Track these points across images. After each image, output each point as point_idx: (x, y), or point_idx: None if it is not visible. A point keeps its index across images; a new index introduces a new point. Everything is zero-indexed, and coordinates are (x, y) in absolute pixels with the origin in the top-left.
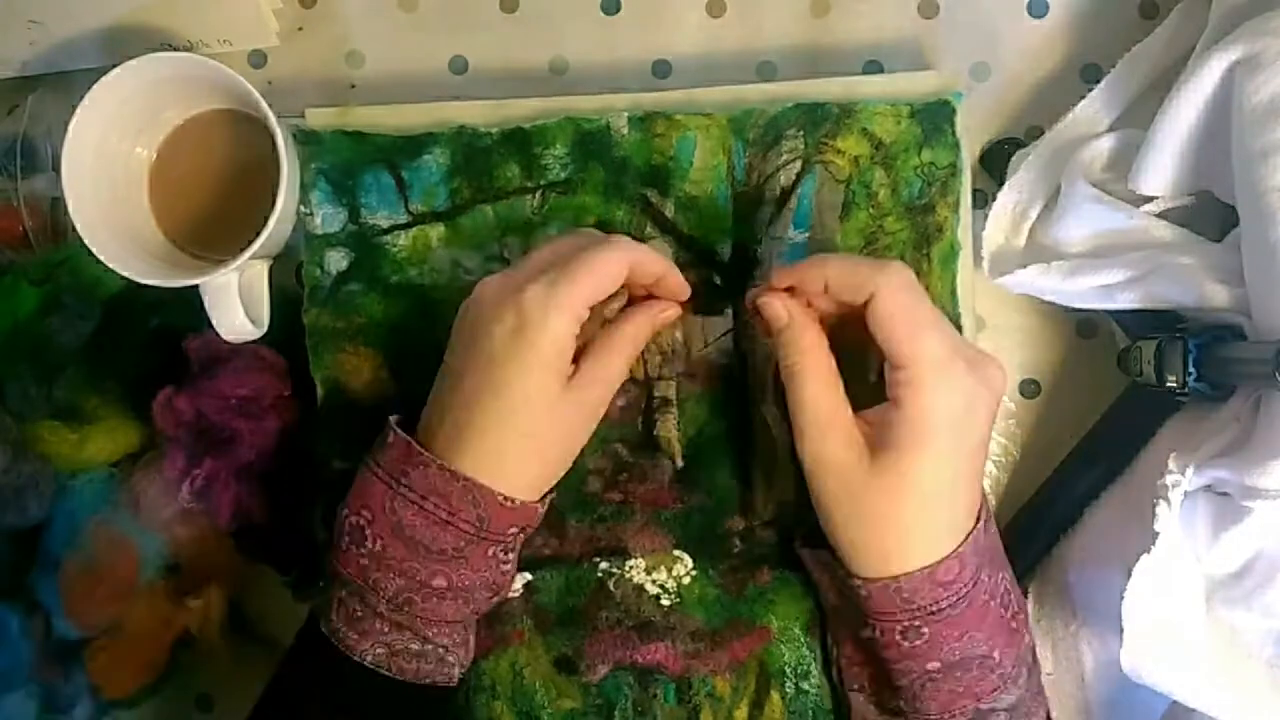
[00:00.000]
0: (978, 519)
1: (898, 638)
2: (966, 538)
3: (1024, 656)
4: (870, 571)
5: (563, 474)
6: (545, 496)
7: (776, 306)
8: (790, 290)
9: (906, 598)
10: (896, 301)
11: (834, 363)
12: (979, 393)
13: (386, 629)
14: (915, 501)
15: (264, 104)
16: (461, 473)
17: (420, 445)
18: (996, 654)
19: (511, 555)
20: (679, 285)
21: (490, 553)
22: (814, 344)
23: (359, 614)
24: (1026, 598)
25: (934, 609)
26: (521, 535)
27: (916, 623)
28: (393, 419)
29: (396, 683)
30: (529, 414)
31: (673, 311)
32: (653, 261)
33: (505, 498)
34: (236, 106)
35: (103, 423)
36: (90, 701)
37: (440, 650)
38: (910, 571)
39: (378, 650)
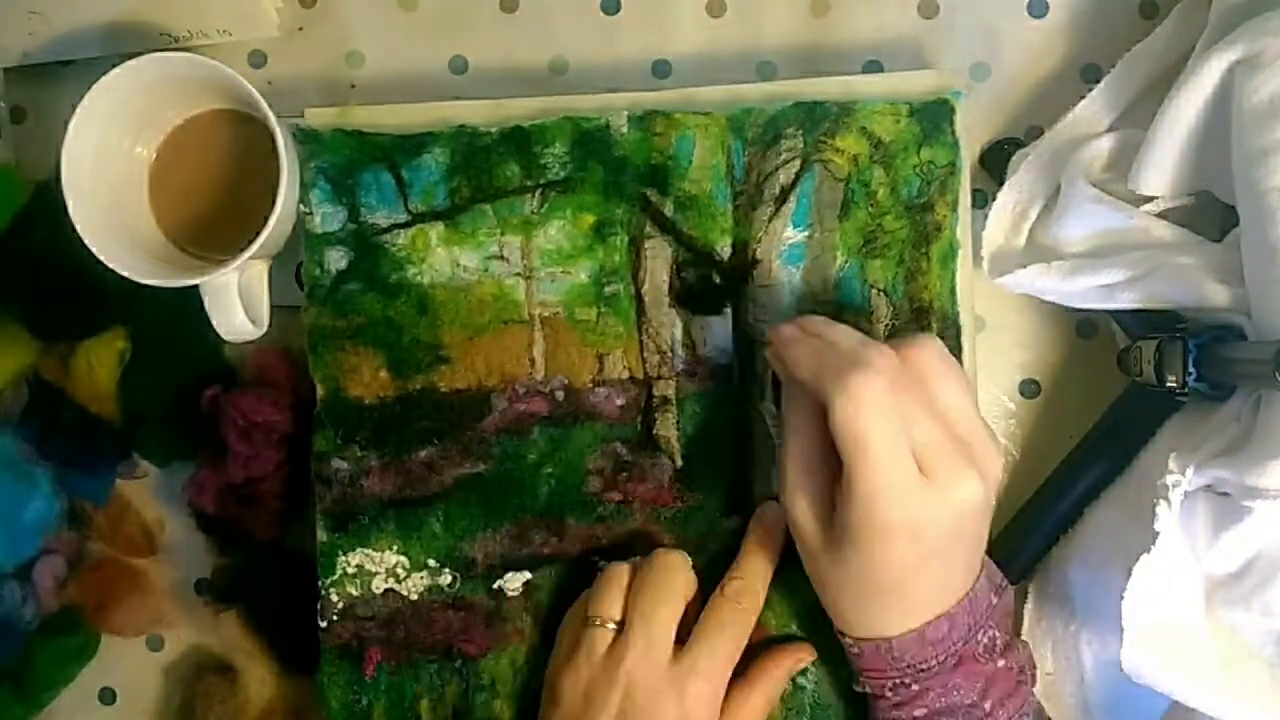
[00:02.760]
0: (976, 581)
1: (887, 692)
2: (959, 601)
3: (1025, 710)
4: (858, 632)
5: None
6: None
7: (777, 366)
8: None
9: (896, 656)
10: (844, 418)
11: (822, 431)
12: (929, 512)
13: None
14: (867, 585)
15: (264, 103)
16: None
17: None
18: (988, 704)
19: None
20: None
21: None
22: (805, 405)
23: None
24: (1026, 598)
25: (923, 667)
26: None
27: (906, 680)
28: None
29: None
30: None
31: (809, 657)
32: (768, 576)
33: None
34: (236, 106)
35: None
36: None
37: None
38: (900, 634)
39: None
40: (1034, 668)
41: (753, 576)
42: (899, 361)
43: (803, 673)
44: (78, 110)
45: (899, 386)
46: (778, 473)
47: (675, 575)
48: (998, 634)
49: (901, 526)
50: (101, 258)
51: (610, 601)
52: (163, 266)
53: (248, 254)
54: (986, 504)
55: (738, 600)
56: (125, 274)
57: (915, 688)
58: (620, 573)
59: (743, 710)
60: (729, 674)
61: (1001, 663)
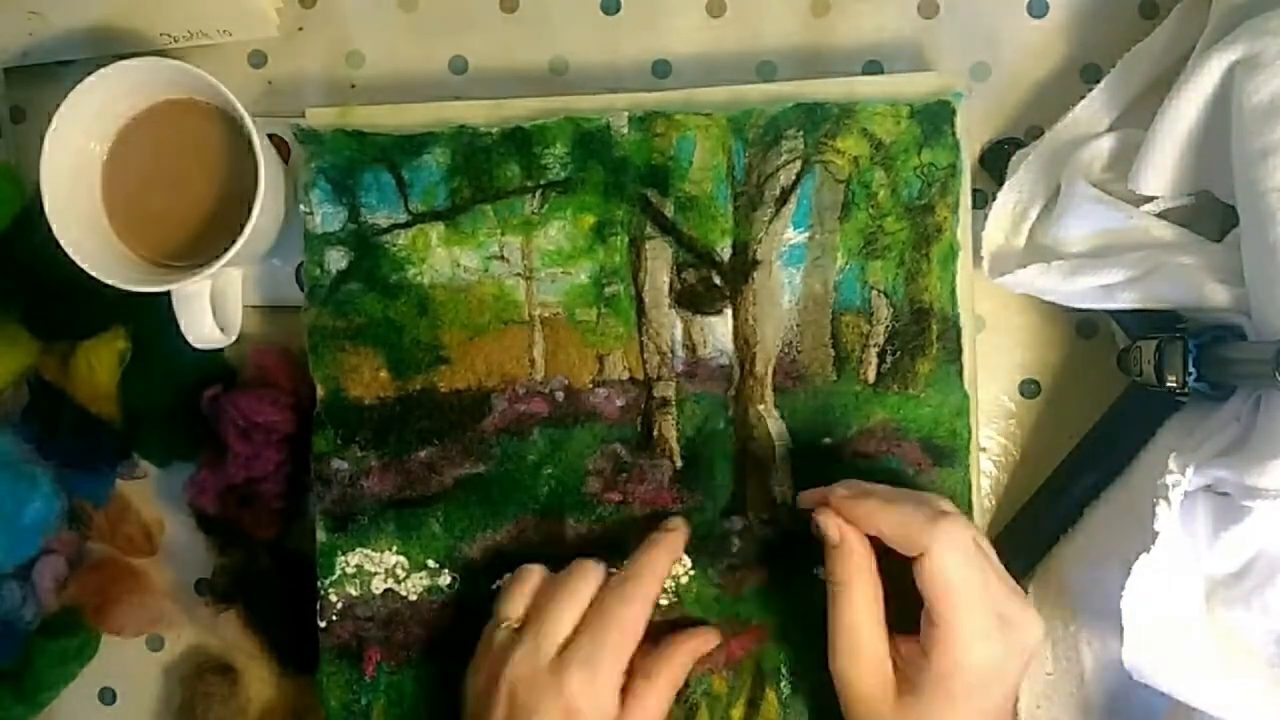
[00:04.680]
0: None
1: None
2: None
3: None
4: None
5: None
6: None
7: (830, 527)
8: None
9: None
10: (944, 564)
11: (879, 589)
12: (1009, 657)
13: None
14: None
15: (245, 113)
16: None
17: None
18: None
19: None
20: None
21: None
22: (861, 567)
23: None
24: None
25: None
26: None
27: None
28: None
29: None
30: None
31: (713, 641)
32: (666, 569)
33: None
34: (221, 110)
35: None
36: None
37: None
38: None
39: None
40: None
41: (643, 568)
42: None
43: (802, 676)
44: (56, 115)
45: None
46: (779, 475)
47: (581, 581)
48: None
49: (990, 671)
50: (86, 267)
51: (514, 602)
52: (136, 272)
53: (222, 261)
54: (1029, 661)
55: (620, 588)
56: (110, 281)
57: None
58: (529, 574)
59: (646, 699)
60: (619, 664)
61: None
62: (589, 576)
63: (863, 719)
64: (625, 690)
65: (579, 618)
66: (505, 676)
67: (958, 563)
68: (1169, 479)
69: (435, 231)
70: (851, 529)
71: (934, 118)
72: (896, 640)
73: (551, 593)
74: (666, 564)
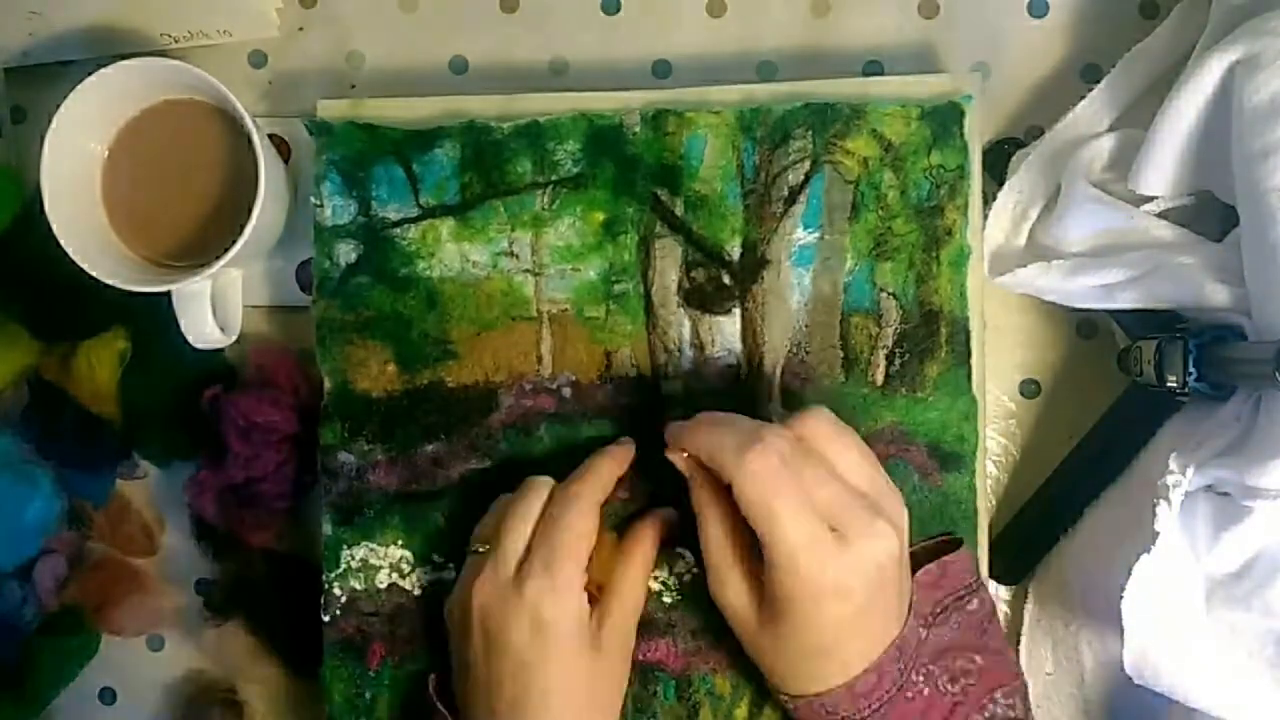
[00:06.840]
0: (903, 627)
1: None
2: (885, 650)
3: None
4: (792, 690)
5: None
6: None
7: (677, 460)
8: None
9: (830, 710)
10: (750, 491)
11: (732, 517)
12: (852, 566)
13: None
14: (806, 650)
15: (245, 113)
16: None
17: None
18: None
19: None
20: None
21: None
22: (710, 498)
23: None
24: (1026, 598)
25: (857, 717)
26: None
27: None
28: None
29: None
30: (574, 701)
31: (663, 523)
32: (610, 476)
33: None
34: (221, 110)
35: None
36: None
37: None
38: (830, 689)
39: None
40: (1003, 686)
41: (587, 472)
42: (793, 436)
43: None
44: (57, 115)
45: (796, 458)
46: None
47: (530, 495)
48: (935, 668)
49: (828, 587)
50: (85, 266)
51: (484, 527)
52: (136, 272)
53: (222, 262)
54: (902, 552)
55: (564, 495)
56: (111, 281)
57: None
58: (500, 501)
59: (622, 585)
60: (574, 567)
61: (944, 694)
62: (538, 490)
63: (739, 633)
64: (594, 601)
65: (531, 532)
66: (475, 604)
67: (763, 490)
68: (1169, 479)
69: (445, 226)
70: (697, 465)
71: (943, 119)
72: (760, 565)
73: (505, 513)
74: (612, 473)
